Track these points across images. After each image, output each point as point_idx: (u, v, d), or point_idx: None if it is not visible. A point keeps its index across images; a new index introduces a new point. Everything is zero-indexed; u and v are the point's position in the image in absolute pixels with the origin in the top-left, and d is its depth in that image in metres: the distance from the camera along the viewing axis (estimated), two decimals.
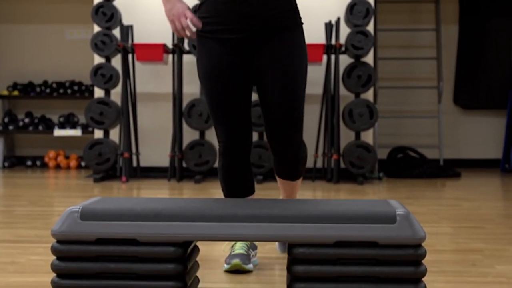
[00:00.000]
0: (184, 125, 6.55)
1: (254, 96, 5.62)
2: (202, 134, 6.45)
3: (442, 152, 7.70)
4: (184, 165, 6.50)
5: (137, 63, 6.74)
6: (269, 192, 5.40)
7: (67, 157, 8.13)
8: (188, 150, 6.35)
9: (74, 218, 1.91)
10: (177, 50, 6.42)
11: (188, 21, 2.40)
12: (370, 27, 6.61)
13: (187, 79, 6.64)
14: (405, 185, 6.10)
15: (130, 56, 6.61)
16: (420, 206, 4.53)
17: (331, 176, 6.33)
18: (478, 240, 3.27)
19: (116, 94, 6.69)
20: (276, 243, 2.89)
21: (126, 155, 6.33)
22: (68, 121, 8.06)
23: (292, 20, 2.46)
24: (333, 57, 6.43)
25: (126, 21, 6.72)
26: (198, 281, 2.23)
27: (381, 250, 1.86)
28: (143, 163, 6.83)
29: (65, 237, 1.91)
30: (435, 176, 6.83)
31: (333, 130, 6.32)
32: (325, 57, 6.52)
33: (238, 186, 2.57)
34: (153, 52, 6.38)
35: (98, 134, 6.78)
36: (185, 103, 6.53)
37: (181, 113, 6.42)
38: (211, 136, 6.53)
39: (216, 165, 6.31)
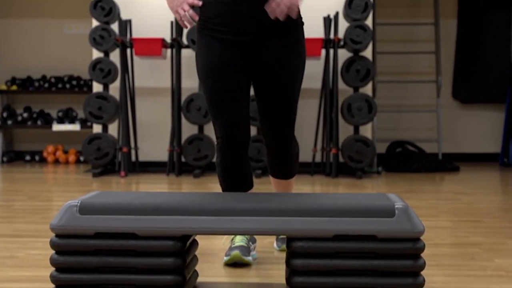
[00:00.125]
0: (183, 120, 6.54)
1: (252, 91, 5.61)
2: (201, 129, 6.45)
3: (441, 146, 7.70)
4: (182, 159, 6.50)
5: (135, 58, 6.73)
6: (268, 186, 5.40)
7: (65, 152, 8.13)
8: (187, 145, 6.34)
9: (73, 212, 1.91)
10: (176, 44, 6.42)
11: (186, 13, 2.42)
12: (369, 21, 6.60)
13: (186, 73, 6.64)
14: (404, 179, 6.10)
15: (128, 50, 6.60)
16: (419, 200, 4.53)
17: (329, 171, 6.33)
18: (477, 234, 3.27)
19: (114, 89, 6.68)
20: (274, 240, 2.90)
21: (125, 149, 6.33)
22: (67, 116, 8.06)
23: (292, 20, 2.46)
24: (331, 51, 6.42)
25: (124, 16, 6.71)
26: (197, 275, 2.23)
27: (380, 244, 1.86)
28: (141, 158, 6.83)
29: (64, 231, 1.91)
30: (434, 170, 6.83)
31: (332, 124, 6.32)
32: (323, 51, 6.51)
33: (236, 181, 2.58)
34: (152, 47, 6.37)
35: (97, 128, 6.77)
36: (183, 97, 6.52)
37: (180, 108, 6.42)
38: (210, 130, 6.53)
39: (214, 159, 6.31)
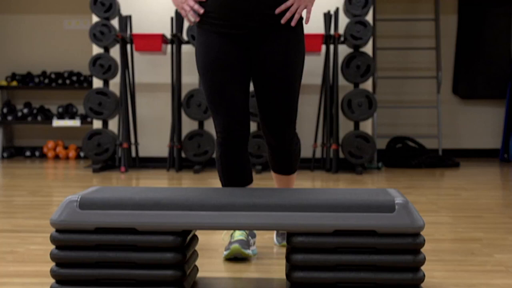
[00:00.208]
0: (183, 115, 6.54)
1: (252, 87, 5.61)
2: (201, 124, 6.45)
3: (441, 142, 7.69)
4: (183, 155, 6.50)
5: (135, 54, 6.73)
6: (268, 182, 5.40)
7: (66, 148, 8.13)
8: (187, 140, 6.34)
9: (73, 208, 1.91)
10: (176, 40, 6.41)
11: (189, 9, 2.44)
12: (369, 17, 6.59)
13: (186, 69, 6.63)
14: (404, 175, 6.10)
15: (128, 46, 6.60)
16: (419, 196, 4.53)
17: (330, 166, 6.33)
18: (477, 229, 3.27)
19: (115, 85, 6.68)
20: (274, 236, 2.90)
21: (125, 145, 6.33)
22: (67, 112, 8.05)
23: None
24: (332, 47, 6.42)
25: (124, 11, 6.71)
26: (197, 270, 2.23)
27: (380, 239, 1.86)
28: (142, 154, 6.83)
29: (64, 226, 1.91)
30: (434, 166, 6.84)
31: (332, 120, 6.32)
32: (324, 47, 6.50)
33: (236, 176, 2.58)
34: (152, 43, 6.36)
35: (97, 124, 6.78)
36: (184, 93, 6.52)
37: (180, 103, 6.42)
38: (210, 126, 6.53)
39: (214, 155, 6.31)
